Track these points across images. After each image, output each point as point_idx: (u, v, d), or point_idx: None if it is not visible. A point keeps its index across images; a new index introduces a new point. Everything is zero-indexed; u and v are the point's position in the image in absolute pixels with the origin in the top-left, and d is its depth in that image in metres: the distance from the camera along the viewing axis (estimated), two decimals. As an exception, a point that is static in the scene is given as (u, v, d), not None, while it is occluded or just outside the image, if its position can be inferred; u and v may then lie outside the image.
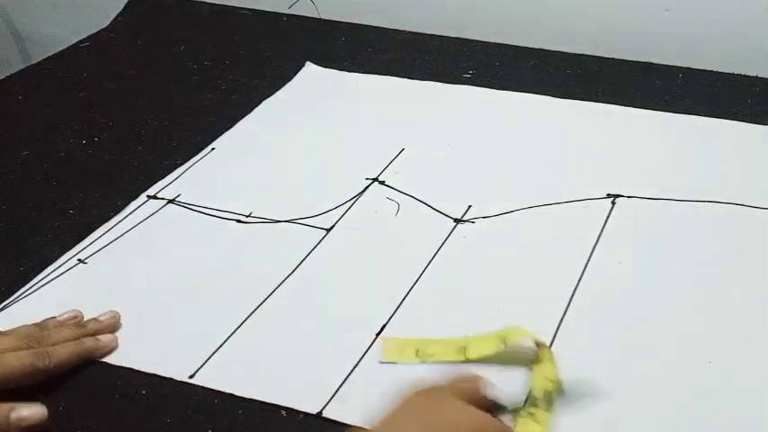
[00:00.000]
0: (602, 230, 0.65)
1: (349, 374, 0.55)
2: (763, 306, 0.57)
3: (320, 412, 0.52)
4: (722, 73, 0.84)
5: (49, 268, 0.65)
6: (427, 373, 0.54)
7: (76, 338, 0.57)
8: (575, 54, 0.90)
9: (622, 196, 0.68)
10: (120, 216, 0.70)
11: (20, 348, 0.55)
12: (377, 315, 0.59)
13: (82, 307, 0.61)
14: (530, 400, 0.51)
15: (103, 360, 0.57)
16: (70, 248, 0.67)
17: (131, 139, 0.81)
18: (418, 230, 0.66)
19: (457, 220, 0.67)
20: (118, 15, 1.06)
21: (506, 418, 0.50)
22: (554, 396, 0.51)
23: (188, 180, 0.74)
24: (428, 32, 0.96)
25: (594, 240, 0.64)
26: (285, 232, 0.67)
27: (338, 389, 0.54)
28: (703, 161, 0.72)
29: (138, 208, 0.71)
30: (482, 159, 0.74)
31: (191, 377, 0.55)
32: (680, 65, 0.86)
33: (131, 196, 0.72)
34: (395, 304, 0.60)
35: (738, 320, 0.57)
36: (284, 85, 0.88)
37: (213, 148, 0.79)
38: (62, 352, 0.56)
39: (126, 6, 1.08)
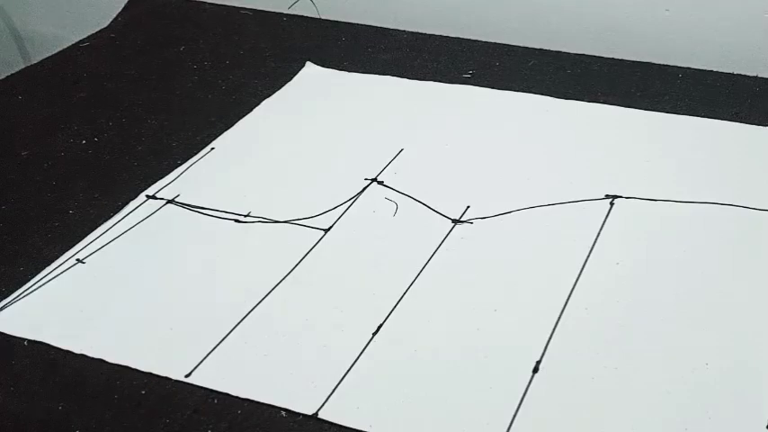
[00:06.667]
0: (600, 231, 0.64)
1: (345, 375, 0.55)
2: (761, 308, 0.57)
3: (316, 413, 0.52)
4: (722, 73, 0.84)
5: (48, 268, 0.65)
6: (421, 369, 0.54)
7: None
8: (575, 54, 0.89)
9: (621, 197, 0.68)
10: (119, 216, 0.70)
11: None
12: (374, 315, 0.59)
13: (80, 306, 0.61)
14: None
15: (102, 359, 0.57)
16: (70, 248, 0.67)
17: (131, 139, 0.81)
18: (416, 231, 0.66)
19: (455, 221, 0.67)
20: (118, 15, 1.07)
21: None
22: None
23: (187, 180, 0.74)
24: (428, 32, 0.96)
25: (593, 241, 0.64)
26: (283, 232, 0.67)
27: (334, 389, 0.54)
28: (703, 162, 0.72)
29: (138, 208, 0.71)
30: (481, 160, 0.74)
31: (187, 376, 0.55)
32: (680, 65, 0.86)
33: (131, 196, 0.72)
34: (392, 305, 0.60)
35: (737, 322, 0.56)
36: (284, 85, 0.88)
37: (213, 148, 0.79)
38: None
39: (126, 6, 1.08)
